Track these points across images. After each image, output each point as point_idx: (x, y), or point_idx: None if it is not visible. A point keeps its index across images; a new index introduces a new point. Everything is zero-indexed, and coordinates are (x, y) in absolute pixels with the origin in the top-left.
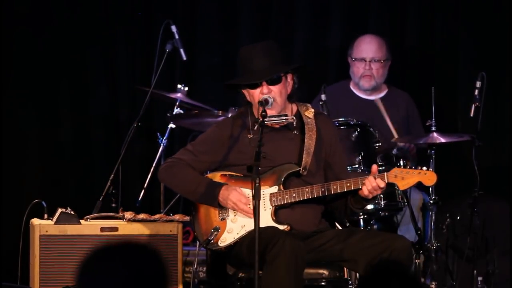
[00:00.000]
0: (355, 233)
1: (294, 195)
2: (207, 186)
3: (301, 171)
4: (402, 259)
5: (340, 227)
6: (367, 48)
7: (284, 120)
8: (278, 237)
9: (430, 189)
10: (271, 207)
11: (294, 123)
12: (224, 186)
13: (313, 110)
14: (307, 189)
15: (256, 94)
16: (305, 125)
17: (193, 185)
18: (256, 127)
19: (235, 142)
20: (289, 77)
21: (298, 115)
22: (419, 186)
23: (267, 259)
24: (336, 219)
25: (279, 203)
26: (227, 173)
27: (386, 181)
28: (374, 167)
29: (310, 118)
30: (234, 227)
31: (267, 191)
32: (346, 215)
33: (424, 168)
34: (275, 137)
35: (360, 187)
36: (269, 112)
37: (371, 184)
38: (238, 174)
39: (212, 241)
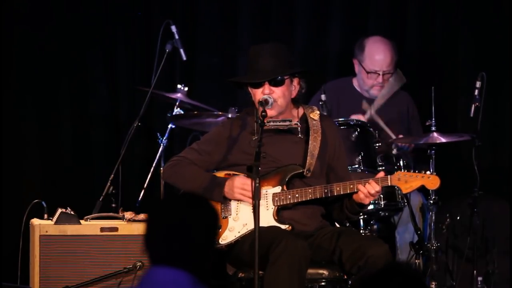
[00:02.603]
0: (342, 236)
1: (297, 195)
2: (212, 181)
3: (304, 173)
4: (378, 266)
5: (338, 225)
6: (381, 62)
7: (288, 125)
8: (282, 237)
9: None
10: (273, 206)
11: (299, 128)
12: (228, 179)
13: (318, 112)
14: (310, 190)
15: (258, 94)
16: (310, 128)
17: (198, 181)
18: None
19: (239, 142)
20: (295, 81)
21: (304, 118)
22: (418, 188)
23: (270, 259)
24: (335, 220)
25: (281, 203)
26: (231, 172)
27: (390, 184)
28: (381, 174)
29: (315, 120)
30: (236, 226)
31: (270, 191)
32: (343, 218)
33: (428, 172)
34: (280, 139)
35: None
36: (269, 112)
37: (374, 189)
38: (242, 174)
39: None
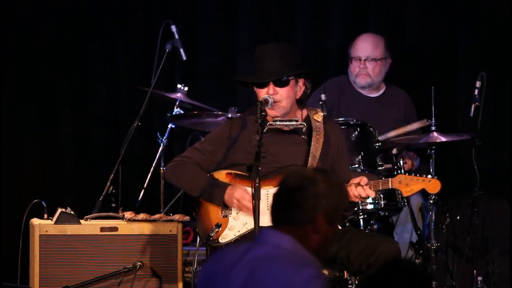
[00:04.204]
0: (347, 235)
1: None
2: (213, 185)
3: None
4: None
5: (339, 227)
6: (363, 47)
7: (294, 125)
8: None
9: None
10: None
11: (304, 129)
12: (230, 186)
13: (322, 114)
14: None
15: (262, 94)
16: (313, 129)
17: (199, 184)
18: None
19: (241, 141)
20: (301, 82)
21: (307, 120)
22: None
23: None
24: None
25: None
26: (233, 171)
27: (390, 187)
28: (364, 180)
29: (318, 122)
30: (236, 225)
31: (271, 191)
32: None
33: (429, 176)
34: (283, 139)
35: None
36: (270, 112)
37: (358, 193)
38: (244, 173)
39: (212, 237)
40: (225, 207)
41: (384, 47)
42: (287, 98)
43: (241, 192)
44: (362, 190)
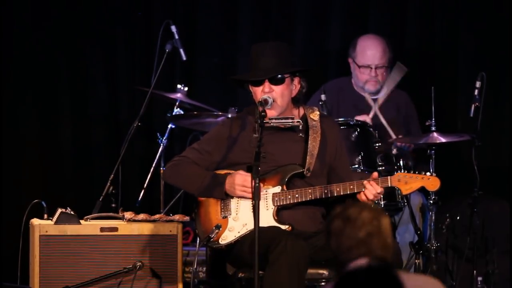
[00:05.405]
0: None
1: (296, 195)
2: (212, 180)
3: (305, 173)
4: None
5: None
6: (373, 55)
7: (290, 123)
8: (281, 237)
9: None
10: (273, 206)
11: (300, 127)
12: (228, 175)
13: (318, 113)
14: (309, 190)
15: (258, 92)
16: (309, 128)
17: (198, 180)
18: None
19: (239, 141)
20: (296, 80)
21: (304, 119)
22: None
23: (270, 259)
24: None
25: (281, 203)
26: (232, 171)
27: (390, 185)
28: (375, 174)
29: (315, 120)
30: (236, 226)
31: (270, 190)
32: None
33: (428, 173)
34: (280, 138)
35: (363, 189)
36: (269, 112)
37: (375, 191)
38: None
39: (212, 238)
40: (225, 206)
41: (390, 51)
42: (282, 96)
43: (241, 176)
44: (372, 187)
